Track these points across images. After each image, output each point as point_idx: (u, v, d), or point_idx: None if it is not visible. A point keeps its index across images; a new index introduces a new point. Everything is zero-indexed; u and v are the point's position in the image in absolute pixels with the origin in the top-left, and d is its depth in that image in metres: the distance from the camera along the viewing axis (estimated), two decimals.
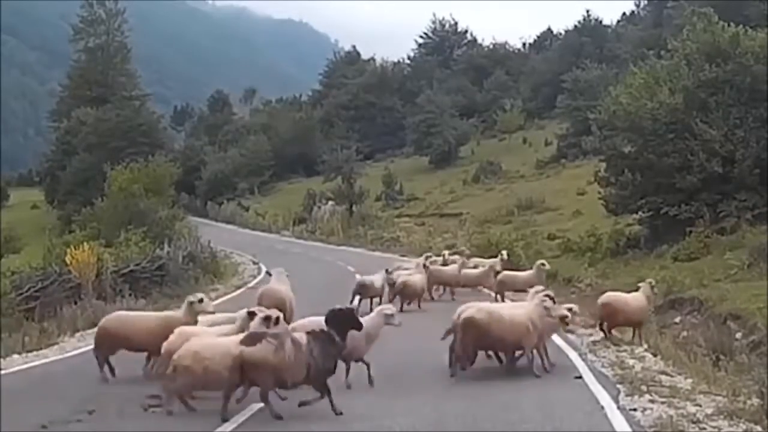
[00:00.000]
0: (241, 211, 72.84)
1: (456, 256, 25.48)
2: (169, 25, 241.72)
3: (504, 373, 12.22)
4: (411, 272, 21.93)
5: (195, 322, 11.55)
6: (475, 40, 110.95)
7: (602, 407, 9.91)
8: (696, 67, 29.09)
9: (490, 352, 12.81)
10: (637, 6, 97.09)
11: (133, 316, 13.17)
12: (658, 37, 54.52)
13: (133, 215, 38.36)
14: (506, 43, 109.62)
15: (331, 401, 9.39)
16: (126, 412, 9.98)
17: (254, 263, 39.61)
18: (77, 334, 18.03)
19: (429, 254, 25.36)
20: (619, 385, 11.23)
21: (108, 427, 9.61)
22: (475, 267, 24.15)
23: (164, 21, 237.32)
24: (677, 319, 19.01)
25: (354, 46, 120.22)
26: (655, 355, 13.89)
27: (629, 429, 8.97)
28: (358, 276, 22.15)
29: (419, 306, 20.97)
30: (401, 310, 18.76)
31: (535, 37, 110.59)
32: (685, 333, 17.34)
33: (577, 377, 11.88)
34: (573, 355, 13.60)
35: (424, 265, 22.37)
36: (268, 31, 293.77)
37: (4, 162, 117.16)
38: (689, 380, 11.68)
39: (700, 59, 29.15)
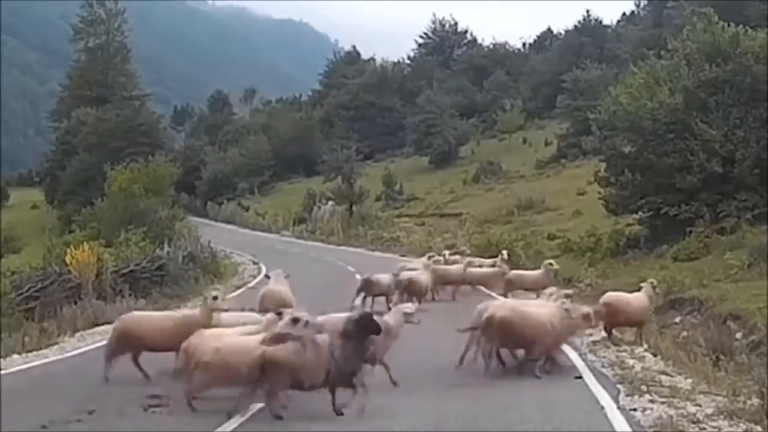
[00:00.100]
0: (241, 211, 72.80)
1: (456, 256, 25.47)
2: (169, 25, 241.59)
3: (504, 373, 12.22)
4: (419, 272, 21.94)
5: (211, 321, 11.41)
6: (475, 40, 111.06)
7: (602, 407, 9.90)
8: (696, 67, 29.09)
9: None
10: (637, 6, 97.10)
11: (149, 317, 13.08)
12: (658, 37, 54.43)
13: (133, 215, 38.42)
14: (506, 43, 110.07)
15: (333, 401, 9.39)
16: (126, 412, 9.97)
17: (254, 263, 39.59)
18: (77, 334, 18.02)
19: (432, 254, 25.33)
20: (619, 385, 11.23)
21: (108, 427, 9.60)
22: (480, 266, 24.15)
23: (164, 21, 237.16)
24: (677, 319, 19.00)
25: (354, 46, 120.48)
26: (655, 355, 13.90)
27: (629, 429, 8.96)
28: (358, 276, 22.15)
29: (419, 303, 20.94)
30: None
31: (535, 37, 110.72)
32: (685, 333, 17.33)
33: (577, 377, 11.88)
34: (573, 355, 13.56)
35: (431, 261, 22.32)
36: (268, 31, 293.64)
37: (4, 162, 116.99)
38: (689, 380, 11.69)
39: (700, 59, 29.15)
